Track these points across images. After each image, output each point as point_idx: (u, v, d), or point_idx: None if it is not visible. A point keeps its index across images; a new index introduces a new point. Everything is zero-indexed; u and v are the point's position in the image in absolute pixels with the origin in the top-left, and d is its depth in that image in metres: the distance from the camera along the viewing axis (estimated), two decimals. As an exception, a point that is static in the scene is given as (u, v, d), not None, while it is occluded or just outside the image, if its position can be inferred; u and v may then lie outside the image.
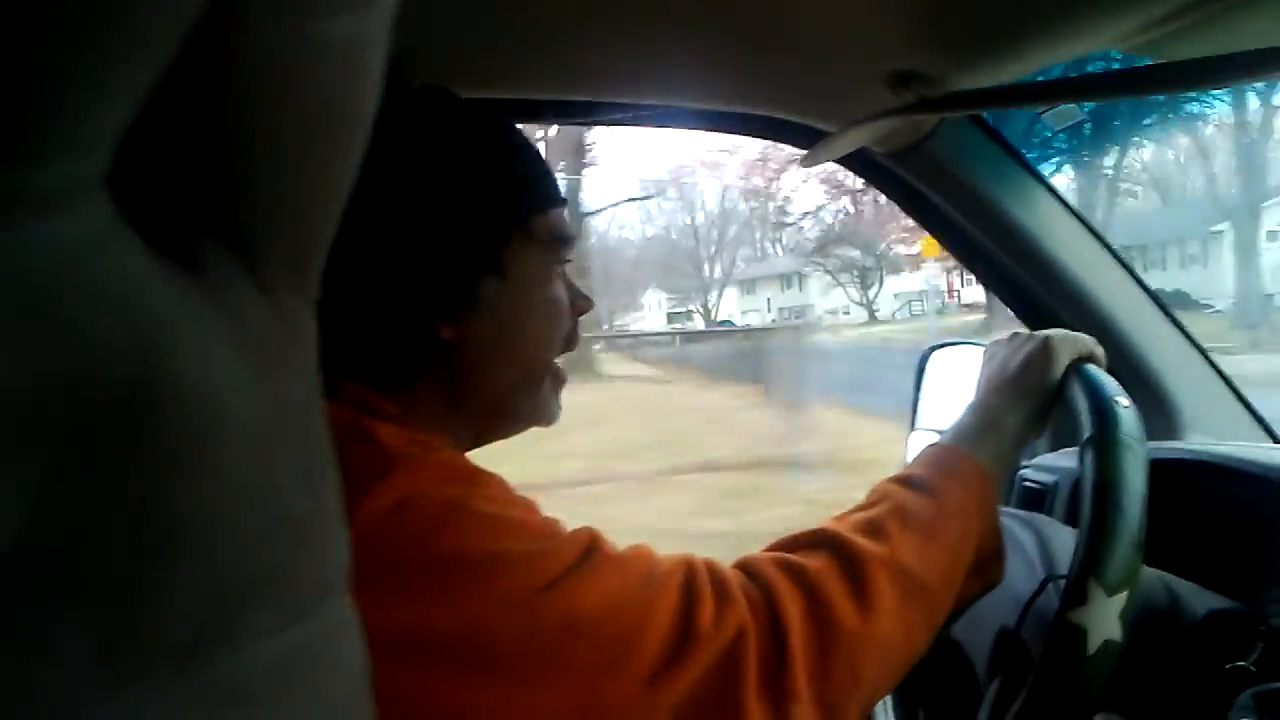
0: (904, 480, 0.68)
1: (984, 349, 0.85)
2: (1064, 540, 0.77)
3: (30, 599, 0.17)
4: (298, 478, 0.22)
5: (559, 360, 0.69)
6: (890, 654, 0.60)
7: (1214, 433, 1.05)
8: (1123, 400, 0.69)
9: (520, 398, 0.66)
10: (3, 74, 0.15)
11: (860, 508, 0.67)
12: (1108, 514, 0.63)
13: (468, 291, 0.61)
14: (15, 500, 0.16)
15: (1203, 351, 1.09)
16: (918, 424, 1.23)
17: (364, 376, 0.59)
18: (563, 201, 0.66)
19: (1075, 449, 0.70)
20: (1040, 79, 0.78)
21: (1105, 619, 0.61)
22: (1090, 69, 0.78)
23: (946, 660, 0.94)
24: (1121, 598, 0.62)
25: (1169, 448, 0.98)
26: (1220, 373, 1.08)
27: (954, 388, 1.13)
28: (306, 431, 0.23)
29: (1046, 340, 0.76)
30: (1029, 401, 0.73)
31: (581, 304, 0.70)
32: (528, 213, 0.63)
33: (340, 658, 0.24)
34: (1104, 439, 0.66)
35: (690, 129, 1.02)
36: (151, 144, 0.19)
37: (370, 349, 0.60)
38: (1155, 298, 1.08)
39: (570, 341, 0.69)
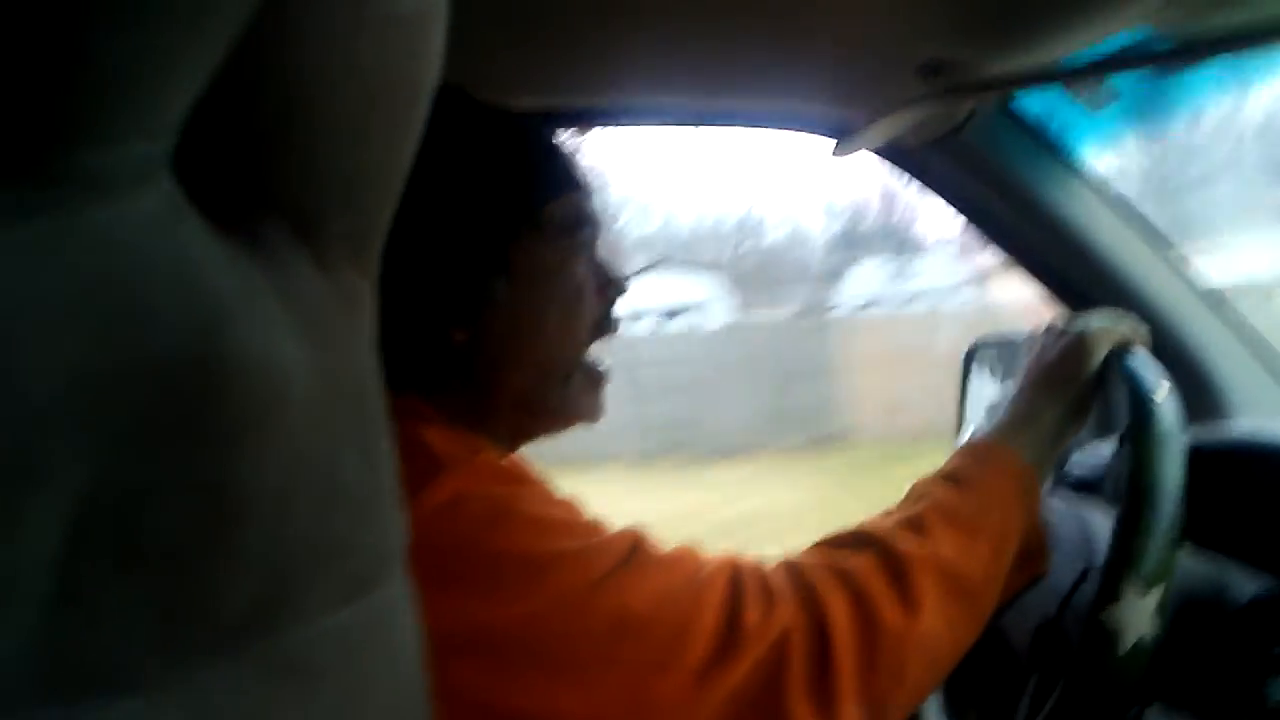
0: (945, 476, 0.67)
1: (1024, 341, 0.83)
2: (1107, 527, 0.76)
3: (93, 566, 0.17)
4: (356, 453, 0.22)
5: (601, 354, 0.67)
6: (935, 653, 0.59)
7: (1262, 415, 1.03)
8: (1161, 391, 0.68)
9: (547, 394, 0.64)
10: (70, 56, 0.15)
11: (902, 505, 0.66)
12: (1142, 510, 0.63)
13: (477, 293, 0.60)
14: (79, 470, 0.16)
15: (1248, 335, 1.06)
16: (966, 422, 1.18)
17: (392, 384, 0.59)
18: (577, 186, 0.64)
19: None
20: (1065, 60, 0.78)
21: (1139, 616, 0.61)
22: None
23: (990, 649, 0.93)
24: (1156, 593, 0.61)
25: (1216, 430, 0.97)
26: (1266, 356, 1.05)
27: (1001, 383, 1.11)
28: (364, 408, 0.24)
29: (1084, 331, 0.74)
30: (1067, 394, 0.72)
31: (612, 288, 0.67)
32: (537, 205, 0.62)
33: (398, 633, 0.24)
34: (1140, 434, 0.66)
35: (719, 125, 1.02)
36: (214, 123, 0.19)
37: (390, 357, 0.60)
38: (1197, 282, 1.06)
39: (602, 328, 0.67)
